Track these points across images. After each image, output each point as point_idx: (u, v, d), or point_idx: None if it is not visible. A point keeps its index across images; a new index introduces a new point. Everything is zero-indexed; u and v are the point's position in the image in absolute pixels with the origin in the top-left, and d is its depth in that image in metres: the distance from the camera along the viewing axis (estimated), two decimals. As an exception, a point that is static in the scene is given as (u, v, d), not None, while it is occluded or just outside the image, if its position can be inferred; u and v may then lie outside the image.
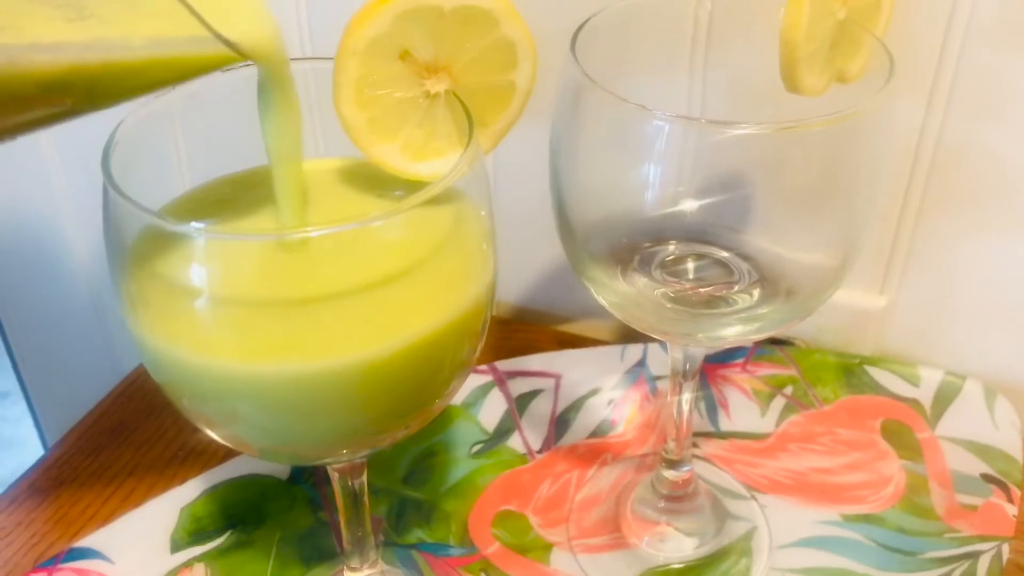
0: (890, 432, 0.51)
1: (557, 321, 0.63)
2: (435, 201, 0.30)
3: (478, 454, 0.51)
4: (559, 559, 0.46)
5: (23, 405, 0.79)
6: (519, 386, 0.55)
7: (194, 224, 0.32)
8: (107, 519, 0.48)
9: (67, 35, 0.26)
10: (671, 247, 0.41)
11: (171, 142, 0.35)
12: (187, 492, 0.48)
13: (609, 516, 0.48)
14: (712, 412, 0.53)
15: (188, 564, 0.46)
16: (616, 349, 0.56)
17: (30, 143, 0.63)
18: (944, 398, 0.52)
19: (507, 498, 0.49)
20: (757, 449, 0.51)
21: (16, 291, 0.71)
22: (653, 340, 0.50)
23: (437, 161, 0.33)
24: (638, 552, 0.47)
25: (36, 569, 0.45)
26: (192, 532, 0.47)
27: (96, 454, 0.52)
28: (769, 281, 0.40)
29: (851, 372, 0.54)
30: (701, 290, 0.41)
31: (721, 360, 0.56)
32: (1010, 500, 0.47)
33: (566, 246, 0.40)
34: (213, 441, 0.36)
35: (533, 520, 0.48)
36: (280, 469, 0.50)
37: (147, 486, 0.50)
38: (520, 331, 0.61)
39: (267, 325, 0.30)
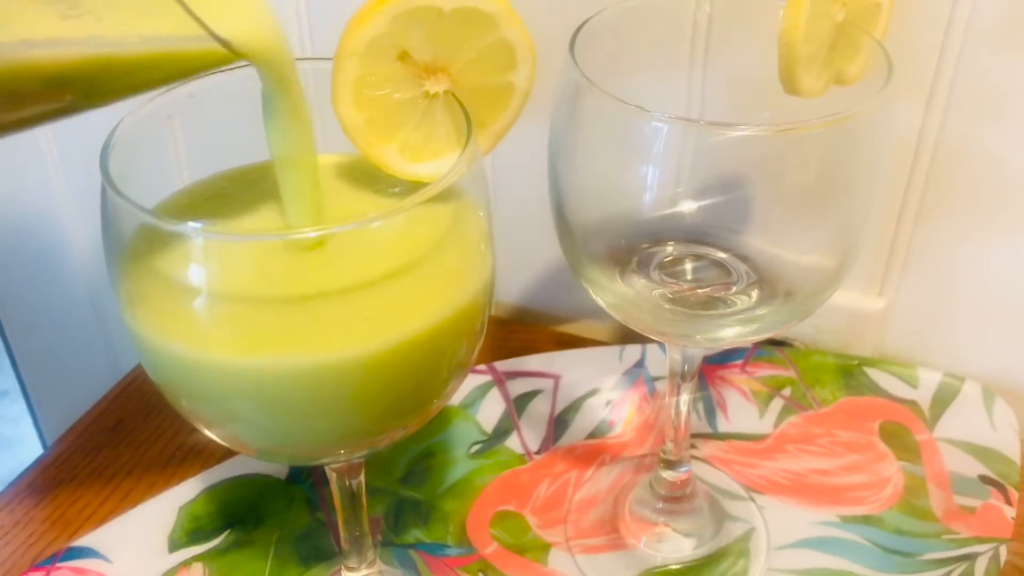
0: (888, 433, 0.51)
1: (556, 322, 0.63)
2: (434, 201, 0.30)
3: (476, 454, 0.51)
4: (557, 559, 0.46)
5: (22, 404, 0.79)
6: (518, 386, 0.55)
7: (191, 224, 0.32)
8: (105, 518, 0.48)
9: (61, 32, 0.26)
10: (669, 248, 0.41)
11: (170, 141, 0.35)
12: (185, 492, 0.48)
13: (607, 517, 0.48)
14: (710, 413, 0.53)
15: (186, 564, 0.46)
16: (615, 350, 0.56)
17: (30, 143, 0.63)
18: (942, 400, 0.52)
19: (505, 498, 0.49)
20: (755, 450, 0.51)
21: (15, 290, 0.70)
22: (652, 341, 0.50)
23: (435, 162, 0.33)
24: (636, 553, 0.47)
25: (34, 568, 0.45)
26: (190, 532, 0.47)
27: (95, 453, 0.52)
28: (768, 282, 0.40)
29: (850, 373, 0.54)
30: (699, 291, 0.41)
31: (720, 361, 0.56)
32: (1008, 502, 0.47)
33: (564, 247, 0.40)
34: (211, 441, 0.36)
35: (531, 520, 0.48)
36: (278, 469, 0.50)
37: (145, 485, 0.50)
38: (519, 331, 0.61)
39: (265, 322, 0.30)
